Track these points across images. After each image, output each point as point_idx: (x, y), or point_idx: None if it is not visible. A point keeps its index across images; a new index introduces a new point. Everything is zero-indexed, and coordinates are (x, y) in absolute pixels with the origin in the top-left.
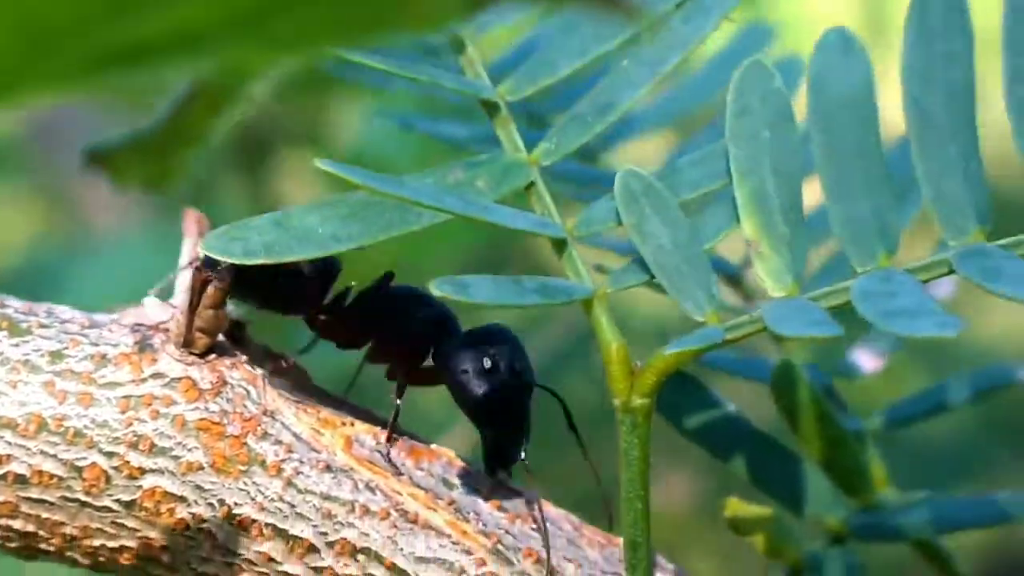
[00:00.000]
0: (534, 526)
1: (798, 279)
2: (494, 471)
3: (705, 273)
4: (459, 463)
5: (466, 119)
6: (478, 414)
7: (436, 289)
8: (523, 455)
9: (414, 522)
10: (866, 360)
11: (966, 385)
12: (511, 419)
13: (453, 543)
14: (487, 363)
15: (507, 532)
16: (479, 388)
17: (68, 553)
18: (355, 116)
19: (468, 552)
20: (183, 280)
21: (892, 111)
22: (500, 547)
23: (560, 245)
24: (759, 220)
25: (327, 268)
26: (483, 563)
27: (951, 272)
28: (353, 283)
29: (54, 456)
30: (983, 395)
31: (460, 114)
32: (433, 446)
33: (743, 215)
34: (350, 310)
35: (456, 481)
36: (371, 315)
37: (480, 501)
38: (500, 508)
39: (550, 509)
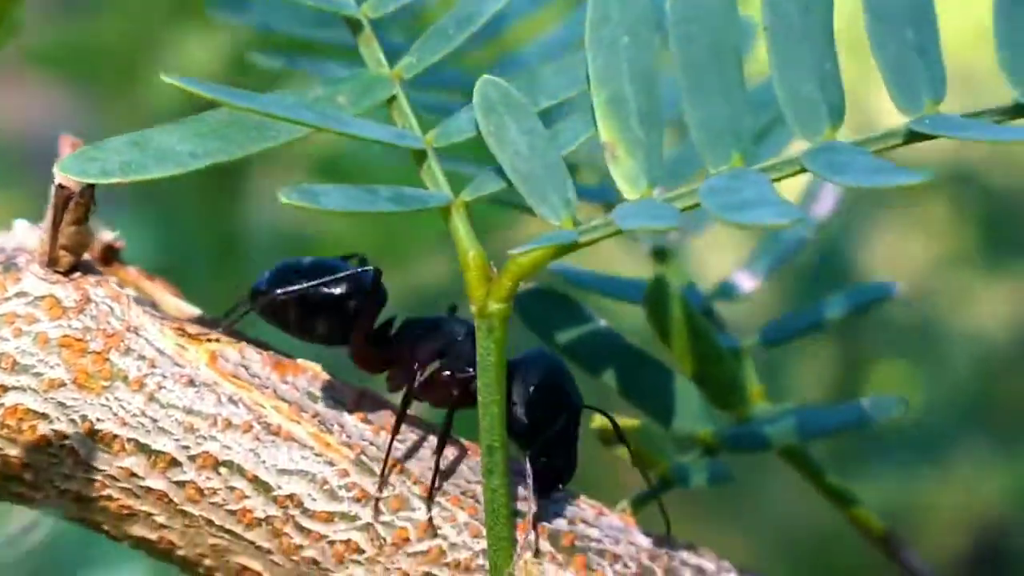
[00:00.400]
0: (398, 438)
1: (653, 182)
2: (547, 492)
3: (561, 178)
4: (324, 376)
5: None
6: (529, 440)
7: (284, 197)
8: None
9: (277, 435)
10: (744, 281)
11: (842, 303)
12: (561, 443)
13: (316, 455)
14: (535, 392)
15: (371, 443)
16: (530, 415)
17: None
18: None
19: (331, 463)
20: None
21: None
22: (363, 458)
23: (420, 156)
24: (615, 125)
25: (372, 298)
26: (346, 474)
27: (803, 170)
28: (395, 315)
29: None
30: (859, 310)
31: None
32: (299, 360)
33: (600, 120)
34: (396, 340)
35: (320, 394)
36: (417, 345)
37: (344, 414)
38: (365, 420)
39: (416, 422)
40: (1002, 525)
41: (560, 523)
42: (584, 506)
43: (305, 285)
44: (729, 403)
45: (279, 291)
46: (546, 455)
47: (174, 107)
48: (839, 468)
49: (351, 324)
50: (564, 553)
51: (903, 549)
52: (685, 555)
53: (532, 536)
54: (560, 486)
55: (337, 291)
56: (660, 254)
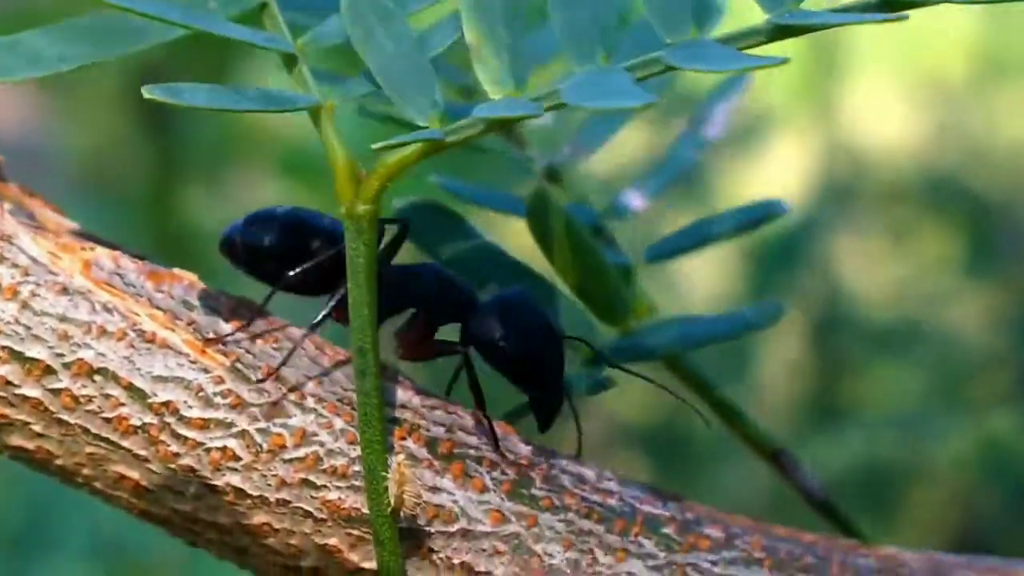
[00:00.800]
0: (275, 345)
1: (520, 84)
2: (547, 425)
3: (428, 80)
4: (200, 285)
5: None
6: (522, 375)
7: (147, 93)
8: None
9: (152, 342)
10: (634, 199)
11: (730, 219)
12: (552, 373)
13: (191, 362)
14: (519, 327)
15: (247, 351)
16: (520, 350)
17: None
18: None
19: (206, 371)
20: None
21: None
22: (239, 365)
23: (290, 61)
24: (481, 26)
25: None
26: (221, 381)
27: (667, 68)
28: None
29: None
30: (748, 227)
31: None
32: (175, 269)
33: (466, 22)
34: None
35: (196, 303)
36: (394, 294)
37: (220, 321)
38: (240, 328)
39: (293, 330)
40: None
41: (438, 431)
42: (463, 414)
43: (279, 233)
44: (613, 317)
45: (253, 235)
46: (539, 388)
47: None
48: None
49: (325, 275)
50: (442, 460)
51: (796, 468)
52: (565, 463)
53: (409, 442)
54: (558, 412)
55: (311, 240)
56: (552, 173)
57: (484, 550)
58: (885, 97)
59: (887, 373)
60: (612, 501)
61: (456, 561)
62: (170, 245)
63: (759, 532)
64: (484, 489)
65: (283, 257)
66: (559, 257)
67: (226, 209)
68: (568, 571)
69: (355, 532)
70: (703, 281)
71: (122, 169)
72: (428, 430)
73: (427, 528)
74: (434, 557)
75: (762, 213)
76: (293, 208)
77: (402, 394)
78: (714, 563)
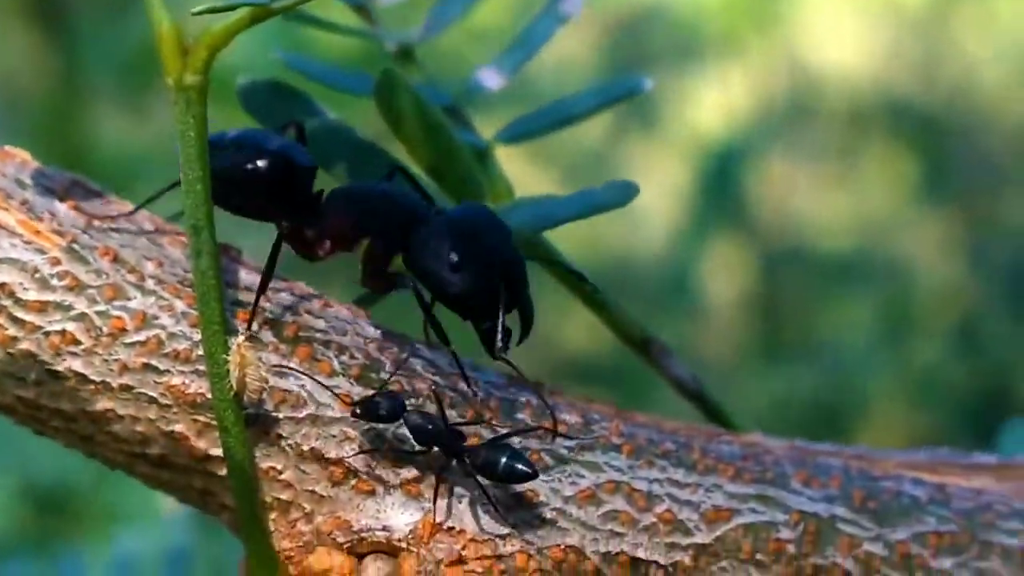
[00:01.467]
0: (112, 226)
1: None
2: (496, 355)
3: None
4: (33, 163)
5: None
6: (460, 309)
7: None
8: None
9: None
10: (490, 78)
11: (591, 96)
12: (492, 305)
13: (25, 243)
14: (454, 256)
15: (83, 232)
16: (451, 284)
17: None
18: None
19: (42, 252)
20: None
21: None
22: (75, 246)
23: None
24: None
25: (294, 167)
26: (57, 262)
27: None
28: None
29: None
30: (607, 104)
31: None
32: (6, 147)
33: None
34: (324, 212)
35: (29, 182)
36: (345, 215)
37: (56, 202)
38: (76, 208)
39: (127, 206)
40: None
41: (284, 313)
42: (311, 298)
43: (224, 162)
44: (465, 197)
45: None
46: (489, 318)
47: None
48: None
49: (275, 201)
50: (288, 343)
51: (666, 356)
52: (418, 346)
53: (253, 325)
54: (510, 346)
55: (253, 167)
56: (405, 52)
57: (334, 436)
58: (838, 16)
59: (838, 304)
60: (462, 385)
61: (306, 448)
62: (75, 164)
63: (618, 418)
64: (332, 373)
65: (232, 181)
66: (410, 137)
67: (147, 130)
68: (420, 457)
69: (201, 418)
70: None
71: (27, 87)
72: (273, 312)
73: (274, 414)
74: (283, 444)
75: (621, 90)
76: (243, 130)
77: (246, 276)
78: (570, 448)
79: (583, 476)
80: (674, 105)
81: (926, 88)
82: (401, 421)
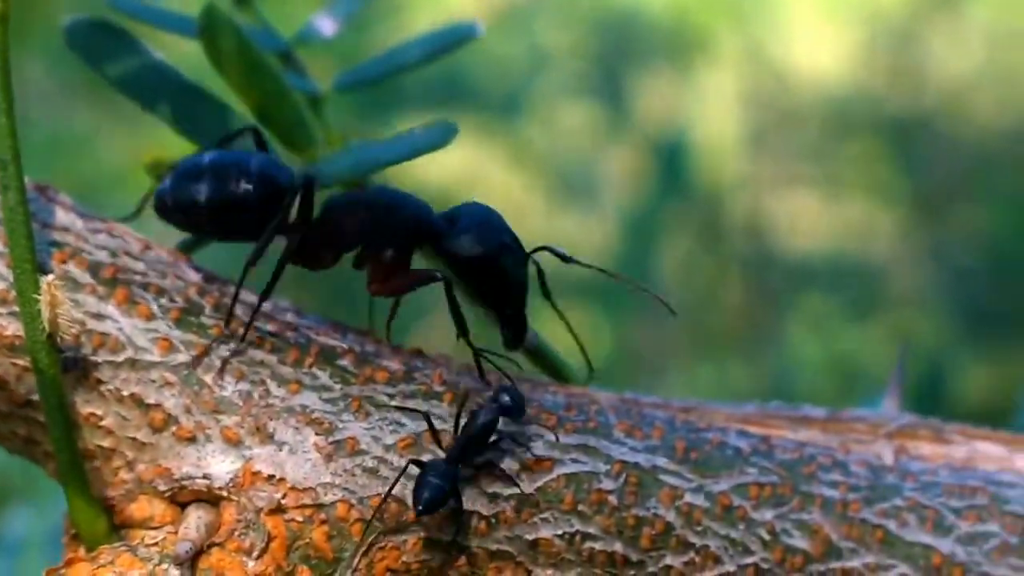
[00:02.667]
0: None
1: None
2: (520, 341)
3: None
4: None
5: None
6: (502, 290)
7: None
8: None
9: None
10: (325, 25)
11: (420, 45)
12: (523, 288)
13: None
14: (494, 241)
15: None
16: (505, 272)
17: None
18: None
19: None
20: None
21: None
22: None
23: None
24: None
25: (280, 189)
26: None
27: None
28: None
29: None
30: (442, 51)
31: None
32: None
33: None
34: (321, 225)
35: None
36: (347, 226)
37: None
38: None
39: None
40: None
41: (102, 255)
42: (130, 239)
43: (206, 190)
44: (296, 143)
45: (181, 199)
46: (512, 307)
47: None
48: None
49: (259, 218)
50: (105, 285)
51: None
52: (240, 290)
53: (70, 266)
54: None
55: (242, 190)
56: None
57: (153, 381)
58: (815, 20)
59: (809, 300)
60: (287, 332)
61: (125, 392)
62: None
63: (442, 367)
64: (151, 316)
65: (216, 208)
66: (234, 79)
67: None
68: (240, 403)
69: (20, 362)
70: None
71: None
72: (91, 254)
73: (93, 357)
74: (103, 389)
75: (453, 37)
76: (217, 154)
77: (63, 216)
78: (391, 396)
79: (404, 424)
80: (655, 103)
81: (900, 90)
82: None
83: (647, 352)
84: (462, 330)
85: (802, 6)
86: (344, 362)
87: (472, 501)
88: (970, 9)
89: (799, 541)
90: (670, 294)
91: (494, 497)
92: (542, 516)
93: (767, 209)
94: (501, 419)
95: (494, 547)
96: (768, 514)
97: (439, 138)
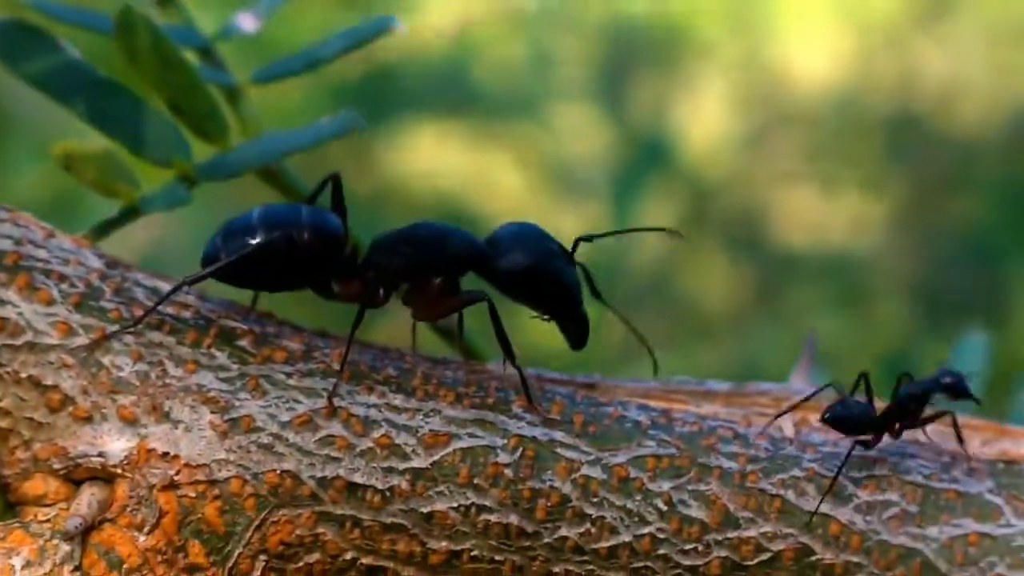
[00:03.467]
0: None
1: None
2: (583, 343)
3: None
4: None
5: None
6: (559, 299)
7: None
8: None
9: None
10: (246, 22)
11: (340, 40)
12: (576, 292)
13: None
14: (541, 257)
15: None
16: (555, 279)
17: None
18: None
19: None
20: None
21: None
22: None
23: None
24: None
25: (326, 235)
26: None
27: None
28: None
29: None
30: (356, 45)
31: None
32: None
33: None
34: (368, 266)
35: None
36: (394, 265)
37: None
38: None
39: None
40: None
41: (5, 243)
42: (34, 227)
43: (249, 247)
44: (208, 134)
45: (229, 259)
46: (568, 310)
47: None
48: None
49: (314, 269)
50: (6, 272)
51: None
52: (140, 276)
53: None
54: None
55: (285, 246)
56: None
57: (51, 363)
58: (812, 22)
59: (796, 291)
60: (186, 314)
61: (23, 375)
62: None
63: (342, 346)
64: (51, 301)
65: (270, 262)
66: (148, 73)
67: None
68: (137, 383)
69: None
70: None
71: None
72: None
73: None
74: (1, 371)
75: (373, 31)
76: (264, 209)
77: None
78: (289, 375)
79: (300, 402)
80: (651, 105)
81: (894, 93)
82: None
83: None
84: (508, 354)
85: (799, 10)
86: (243, 343)
87: (366, 475)
88: (963, 11)
89: (696, 511)
90: (656, 285)
91: (389, 471)
92: (438, 490)
93: (760, 205)
94: None
95: (389, 520)
96: (665, 485)
97: (343, 127)
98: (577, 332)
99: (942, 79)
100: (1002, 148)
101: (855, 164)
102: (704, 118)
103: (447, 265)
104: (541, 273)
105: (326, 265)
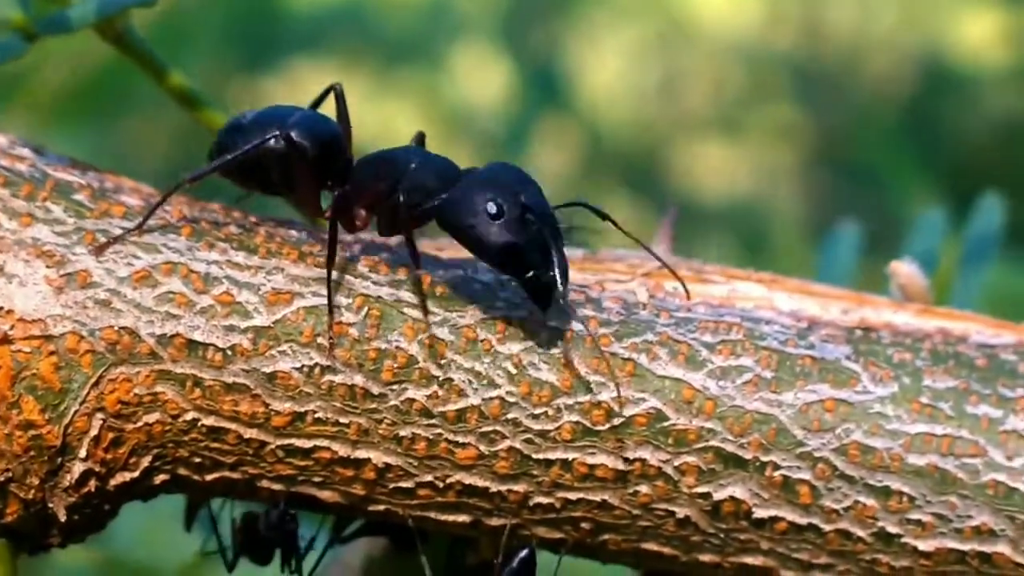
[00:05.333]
0: None
1: None
2: (545, 306)
3: None
4: None
5: None
6: (501, 262)
7: None
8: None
9: None
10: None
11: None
12: (533, 258)
13: None
14: (492, 208)
15: None
16: (490, 237)
17: None
18: None
19: None
20: None
21: None
22: None
23: None
24: None
25: (329, 147)
26: None
27: None
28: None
29: None
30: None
31: None
32: None
33: None
34: (356, 183)
35: None
36: (373, 182)
37: None
38: None
39: None
40: None
41: None
42: None
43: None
44: None
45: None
46: (533, 269)
47: None
48: None
49: (305, 172)
50: None
51: None
52: None
53: None
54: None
55: (267, 149)
56: None
57: None
58: None
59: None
60: (21, 166)
61: None
62: None
63: (184, 205)
64: None
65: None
66: None
67: None
68: None
69: None
70: None
71: None
72: None
73: None
74: None
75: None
76: (263, 110)
77: None
78: (126, 229)
79: (139, 257)
80: (552, 52)
81: (807, 44)
82: None
83: None
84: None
85: None
86: (80, 196)
87: (206, 333)
88: None
89: (547, 374)
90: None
91: (230, 329)
92: (280, 349)
93: (667, 152)
94: None
95: (230, 380)
96: (515, 347)
97: None
98: (533, 295)
99: (851, 28)
100: (907, 97)
101: (761, 111)
102: (606, 63)
103: (408, 191)
104: (473, 228)
105: (318, 170)
